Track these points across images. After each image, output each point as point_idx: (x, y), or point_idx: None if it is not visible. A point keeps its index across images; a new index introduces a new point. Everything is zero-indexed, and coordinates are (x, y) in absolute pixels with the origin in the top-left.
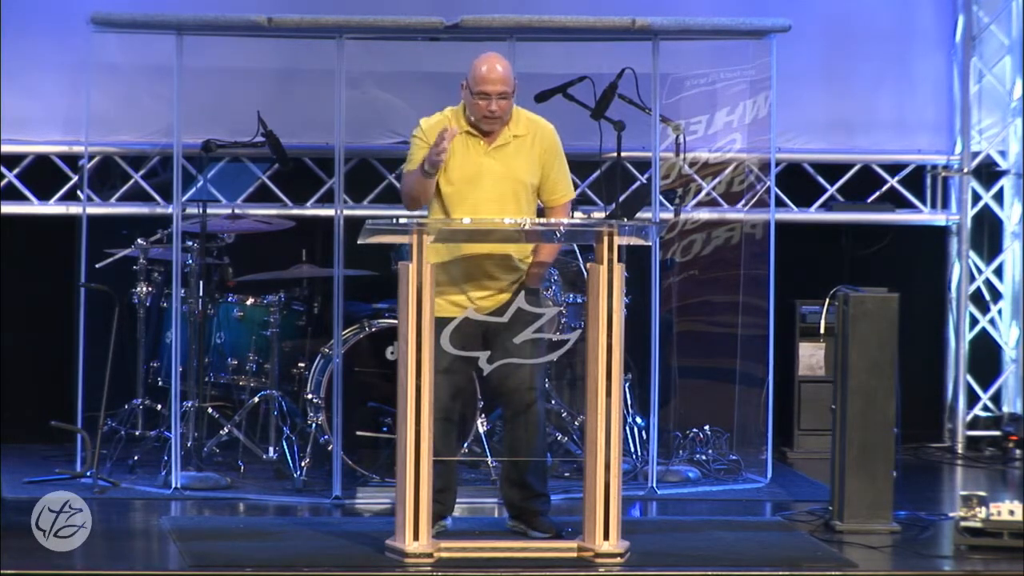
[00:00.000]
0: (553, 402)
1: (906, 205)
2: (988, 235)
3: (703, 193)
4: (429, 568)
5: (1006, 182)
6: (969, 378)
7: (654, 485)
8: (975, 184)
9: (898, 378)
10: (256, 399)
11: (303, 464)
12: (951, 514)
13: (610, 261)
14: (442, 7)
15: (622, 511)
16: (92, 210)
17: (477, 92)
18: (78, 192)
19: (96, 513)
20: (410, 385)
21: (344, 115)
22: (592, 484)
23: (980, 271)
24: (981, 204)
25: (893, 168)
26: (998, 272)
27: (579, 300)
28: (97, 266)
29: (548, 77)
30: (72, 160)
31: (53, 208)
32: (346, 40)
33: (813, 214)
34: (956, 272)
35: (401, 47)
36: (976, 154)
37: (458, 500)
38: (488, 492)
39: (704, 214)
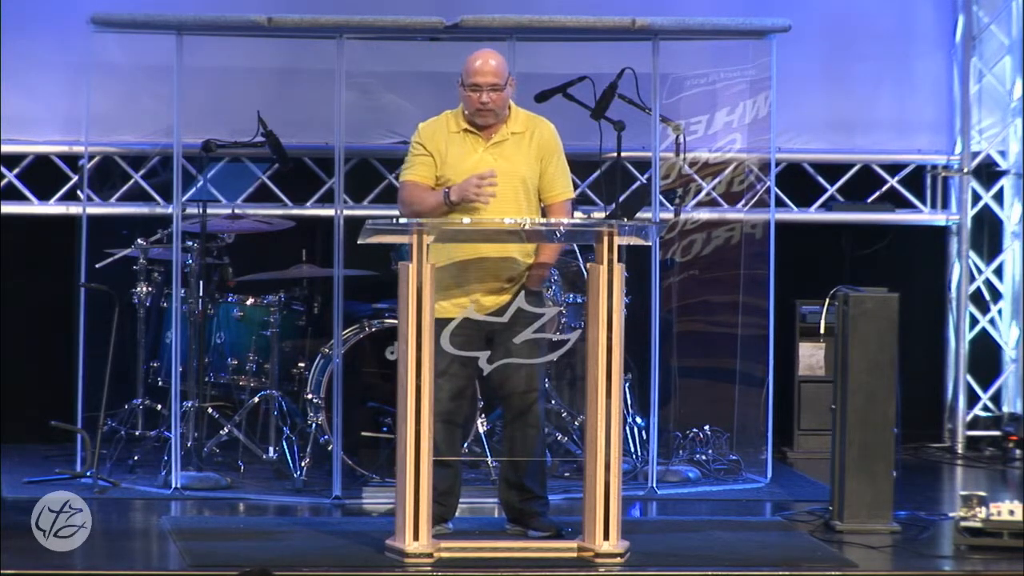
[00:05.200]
0: (553, 402)
1: (906, 205)
2: (988, 235)
3: (703, 193)
4: (429, 568)
5: (1006, 182)
6: (969, 378)
7: (654, 485)
8: (975, 184)
9: (898, 378)
10: (256, 399)
11: (303, 464)
12: (951, 514)
13: (610, 261)
14: (442, 7)
15: (622, 511)
16: (92, 210)
17: (469, 85)
18: (78, 192)
19: (96, 513)
20: (410, 385)
21: (344, 115)
22: (592, 484)
23: (980, 271)
24: (981, 204)
25: (893, 168)
26: (998, 272)
27: (579, 300)
28: (97, 266)
29: (548, 77)
30: (72, 160)
31: (53, 208)
32: (346, 40)
33: (813, 214)
34: (956, 272)
35: (401, 47)
36: (976, 154)
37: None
38: (488, 492)
39: (704, 214)
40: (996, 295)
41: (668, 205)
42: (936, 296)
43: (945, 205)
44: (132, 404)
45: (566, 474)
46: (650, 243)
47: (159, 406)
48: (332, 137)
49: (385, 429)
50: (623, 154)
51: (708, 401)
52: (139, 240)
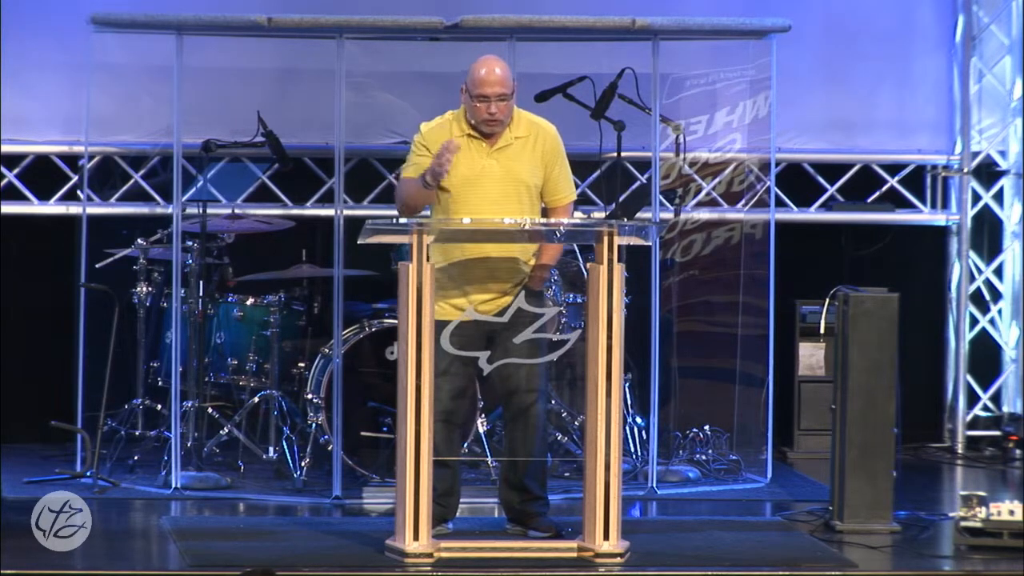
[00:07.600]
0: (553, 402)
1: (906, 205)
2: (988, 235)
3: (703, 193)
4: (429, 568)
5: (1006, 182)
6: (969, 378)
7: (654, 485)
8: (975, 184)
9: (898, 378)
10: (256, 399)
11: (303, 464)
12: (951, 514)
13: (610, 261)
14: (442, 7)
15: (622, 511)
16: (92, 210)
17: (476, 95)
18: (78, 192)
19: (96, 513)
20: (410, 385)
21: (344, 115)
22: (592, 484)
23: (980, 271)
24: (981, 204)
25: (893, 168)
26: (998, 272)
27: (579, 300)
28: (97, 266)
29: (548, 77)
30: (72, 160)
31: (53, 208)
32: (346, 40)
33: (813, 214)
34: (956, 272)
35: (401, 47)
36: (976, 154)
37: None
38: (488, 492)
39: (704, 214)
40: (996, 295)
41: (668, 205)
42: (936, 296)
43: (945, 205)
44: (132, 404)
45: (566, 474)
46: (650, 243)
47: (159, 406)
48: (332, 137)
49: (385, 429)
50: (623, 154)
51: (708, 401)
52: (139, 240)
